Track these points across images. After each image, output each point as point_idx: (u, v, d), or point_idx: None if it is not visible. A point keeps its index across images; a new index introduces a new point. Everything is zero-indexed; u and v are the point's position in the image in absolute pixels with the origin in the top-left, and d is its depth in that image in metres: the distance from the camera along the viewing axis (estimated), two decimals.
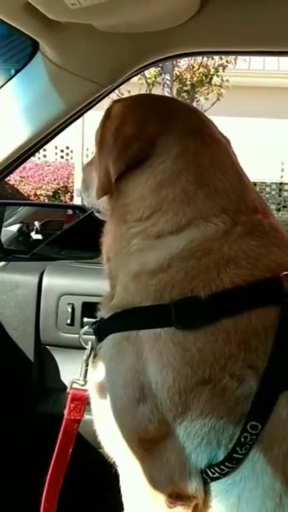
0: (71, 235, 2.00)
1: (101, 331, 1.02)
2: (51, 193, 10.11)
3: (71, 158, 11.97)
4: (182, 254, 0.91)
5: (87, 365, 1.15)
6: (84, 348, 1.65)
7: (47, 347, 1.70)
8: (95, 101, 1.44)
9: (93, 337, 1.10)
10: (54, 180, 10.27)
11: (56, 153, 12.52)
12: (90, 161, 1.19)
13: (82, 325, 1.64)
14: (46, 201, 9.90)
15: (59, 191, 10.23)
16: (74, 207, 3.59)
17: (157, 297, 0.91)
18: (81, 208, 2.37)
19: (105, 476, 1.38)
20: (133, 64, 1.35)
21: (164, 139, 0.98)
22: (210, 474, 0.88)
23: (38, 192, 10.03)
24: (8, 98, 1.44)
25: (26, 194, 9.80)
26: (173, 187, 0.95)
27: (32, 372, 1.69)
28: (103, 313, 1.04)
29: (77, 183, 10.11)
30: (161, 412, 0.88)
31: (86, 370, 1.15)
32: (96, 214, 1.20)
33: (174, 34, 1.25)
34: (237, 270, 0.89)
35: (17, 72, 1.42)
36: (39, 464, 1.32)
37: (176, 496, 0.90)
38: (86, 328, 1.16)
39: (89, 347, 1.15)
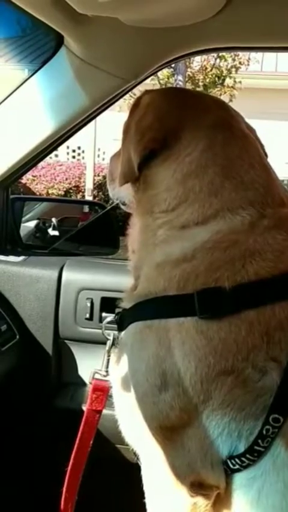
0: (90, 231, 2.01)
1: (124, 320, 1.03)
2: (63, 193, 10.14)
3: (83, 158, 12.00)
4: (207, 245, 0.92)
5: (109, 356, 1.16)
6: (102, 343, 1.67)
7: (66, 341, 1.70)
8: (118, 95, 1.45)
9: (116, 328, 1.11)
10: (66, 179, 10.29)
11: (68, 153, 12.56)
12: (117, 152, 1.20)
13: (101, 320, 1.64)
14: None
15: (71, 190, 10.25)
16: (94, 204, 3.61)
17: (180, 286, 0.91)
18: (100, 205, 2.38)
19: (126, 467, 1.40)
20: (158, 59, 1.35)
21: (191, 131, 0.99)
22: (231, 466, 0.88)
23: (50, 191, 10.06)
24: (31, 92, 1.45)
25: (38, 193, 9.84)
26: (199, 179, 0.96)
27: (51, 366, 1.70)
28: (125, 303, 1.04)
29: (89, 182, 10.14)
30: (183, 399, 0.88)
31: (108, 361, 1.16)
32: (122, 207, 1.20)
33: (200, 29, 1.25)
34: (262, 263, 0.90)
35: (41, 66, 1.44)
36: (56, 457, 1.33)
37: (197, 485, 0.91)
38: (109, 318, 1.17)
39: (111, 338, 1.17)
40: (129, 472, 1.15)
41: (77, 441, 1.18)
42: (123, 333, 1.03)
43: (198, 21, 1.22)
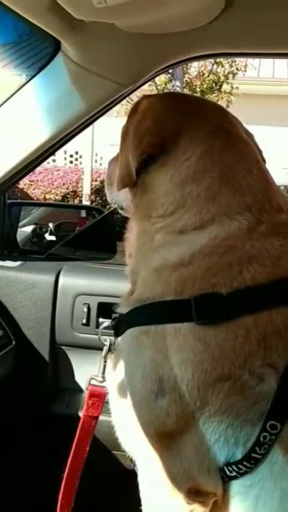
0: (87, 236, 2.01)
1: (120, 326, 1.02)
2: (60, 198, 10.14)
3: (80, 163, 12.01)
4: (204, 250, 0.92)
5: (105, 362, 1.16)
6: (99, 348, 1.66)
7: (62, 347, 1.69)
8: (115, 101, 1.45)
9: (112, 334, 1.10)
10: (64, 184, 10.30)
11: (65, 158, 12.57)
12: (116, 157, 1.20)
13: (98, 325, 1.63)
14: None
15: (68, 195, 10.26)
16: (91, 208, 3.61)
17: (177, 291, 0.91)
18: (98, 210, 2.38)
19: (122, 473, 1.39)
20: (155, 64, 1.36)
21: (189, 136, 0.99)
22: (228, 473, 0.88)
23: (48, 196, 10.06)
24: (28, 98, 1.45)
25: (35, 198, 9.83)
26: (197, 184, 0.95)
27: (47, 371, 1.69)
28: (122, 308, 1.04)
29: (86, 187, 10.15)
30: (179, 406, 0.87)
31: (105, 367, 1.15)
32: (120, 211, 1.20)
33: (197, 35, 1.25)
34: (259, 268, 0.89)
35: (38, 72, 1.44)
36: (52, 463, 1.32)
37: (194, 492, 0.90)
38: (105, 324, 1.17)
39: (107, 343, 1.16)
40: (125, 478, 1.14)
41: (73, 447, 1.17)
42: (119, 338, 1.03)
43: (196, 27, 1.22)
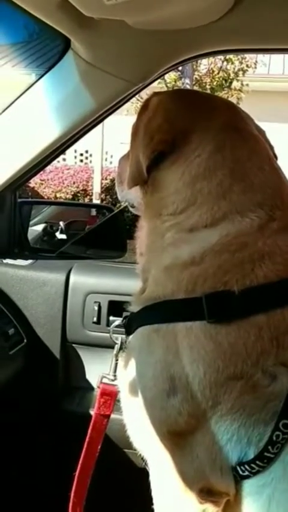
0: (97, 235, 2.01)
1: (131, 324, 1.02)
2: (70, 196, 10.16)
3: (90, 162, 12.02)
4: (215, 248, 0.91)
5: (116, 360, 1.15)
6: (110, 347, 1.66)
7: (73, 345, 1.70)
8: (125, 99, 1.45)
9: (123, 332, 1.10)
10: (74, 183, 10.32)
11: (76, 157, 12.59)
12: (126, 154, 1.19)
13: (108, 323, 1.63)
14: None
15: (79, 194, 10.28)
16: (101, 207, 3.60)
17: (189, 289, 0.90)
18: (108, 208, 2.38)
19: (134, 471, 1.39)
20: (165, 62, 1.35)
21: (200, 133, 0.98)
22: (241, 472, 0.87)
23: (58, 195, 10.08)
24: (38, 96, 1.45)
25: (46, 197, 9.86)
26: (208, 181, 0.95)
27: (58, 369, 1.69)
28: (133, 307, 1.03)
29: (96, 186, 10.15)
30: (191, 405, 0.87)
31: (116, 365, 1.15)
32: (131, 209, 1.19)
33: (207, 31, 1.24)
34: (271, 266, 0.89)
35: (48, 70, 1.44)
36: (63, 461, 1.32)
37: (207, 492, 0.89)
38: (117, 322, 1.16)
39: (118, 342, 1.16)
40: (137, 477, 1.14)
41: (85, 446, 1.17)
42: (131, 337, 1.03)
43: (206, 23, 1.21)
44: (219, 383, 0.85)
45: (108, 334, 1.64)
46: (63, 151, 1.59)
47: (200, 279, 0.90)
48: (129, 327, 1.03)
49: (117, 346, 1.18)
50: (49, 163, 1.61)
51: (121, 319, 1.13)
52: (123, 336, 1.15)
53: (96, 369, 1.69)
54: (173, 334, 0.90)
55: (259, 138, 1.03)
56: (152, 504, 0.99)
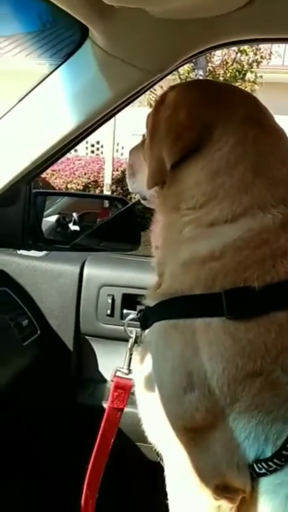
0: (111, 227, 2.00)
1: (147, 319, 1.01)
2: (81, 187, 10.16)
3: (102, 153, 12.00)
4: (236, 243, 0.89)
5: (131, 354, 1.15)
6: (123, 340, 1.65)
7: (87, 337, 1.69)
8: (142, 90, 1.43)
9: (138, 325, 1.09)
10: (85, 174, 10.31)
11: (87, 148, 12.57)
12: (137, 146, 1.17)
13: (122, 316, 1.63)
14: None
15: (90, 185, 10.27)
16: (115, 199, 3.60)
17: (208, 285, 0.89)
18: (121, 200, 2.37)
19: (147, 465, 1.39)
20: (184, 52, 1.32)
21: (221, 127, 0.96)
22: (257, 470, 0.86)
23: (69, 186, 10.09)
24: (56, 86, 1.44)
25: (57, 187, 9.87)
26: (229, 175, 0.93)
27: (71, 361, 1.69)
28: (149, 301, 1.02)
29: (107, 177, 10.14)
30: (209, 401, 0.86)
31: (130, 359, 1.15)
32: (142, 201, 1.18)
33: (229, 20, 1.22)
34: None
35: (65, 60, 1.42)
36: (76, 453, 1.32)
37: (222, 488, 0.89)
38: (131, 316, 1.15)
39: (133, 336, 1.15)
40: (151, 471, 1.14)
41: (98, 439, 1.17)
42: (147, 331, 1.02)
43: (226, 12, 1.19)
44: (238, 380, 0.84)
45: (121, 327, 1.65)
46: (78, 143, 1.58)
47: (220, 275, 0.88)
48: (145, 321, 1.02)
49: (131, 340, 1.17)
50: (64, 154, 1.60)
51: (136, 312, 1.12)
52: (138, 330, 1.14)
53: (109, 362, 1.69)
54: (191, 329, 0.88)
55: (281, 132, 1.00)
56: (166, 499, 0.99)
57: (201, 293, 0.90)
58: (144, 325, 1.03)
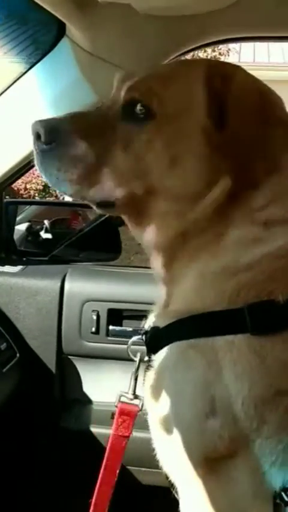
0: (90, 236, 1.88)
1: (159, 340, 0.91)
2: (41, 187, 9.93)
3: None
4: (276, 252, 0.82)
5: (136, 378, 1.05)
6: (109, 358, 1.56)
7: (70, 357, 1.59)
8: None
9: (141, 348, 0.99)
10: None
11: None
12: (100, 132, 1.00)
13: (108, 333, 1.53)
14: (36, 195, 9.74)
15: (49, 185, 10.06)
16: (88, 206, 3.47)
17: (231, 300, 0.82)
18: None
19: (140, 489, 1.29)
20: (171, 50, 1.25)
21: None
22: (286, 498, 0.79)
23: (28, 186, 9.85)
24: (30, 88, 1.32)
25: (16, 188, 9.59)
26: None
27: (54, 384, 1.58)
28: (159, 321, 0.93)
29: None
30: (233, 428, 0.79)
31: (135, 384, 1.05)
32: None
33: (215, 19, 1.17)
34: None
35: (39, 59, 1.30)
36: (65, 484, 1.22)
37: None
38: (135, 338, 1.05)
39: (137, 359, 1.05)
40: (142, 496, 1.04)
41: (102, 469, 1.06)
42: (160, 354, 0.92)
43: (215, 10, 1.11)
44: (266, 400, 0.78)
45: (108, 345, 1.55)
46: None
47: (245, 288, 0.82)
48: (155, 344, 0.92)
49: (136, 364, 1.07)
50: None
51: (141, 333, 1.02)
52: (141, 350, 1.04)
53: (94, 382, 1.60)
54: (212, 349, 0.81)
55: None
56: None
57: (221, 309, 0.82)
58: (154, 348, 0.94)
